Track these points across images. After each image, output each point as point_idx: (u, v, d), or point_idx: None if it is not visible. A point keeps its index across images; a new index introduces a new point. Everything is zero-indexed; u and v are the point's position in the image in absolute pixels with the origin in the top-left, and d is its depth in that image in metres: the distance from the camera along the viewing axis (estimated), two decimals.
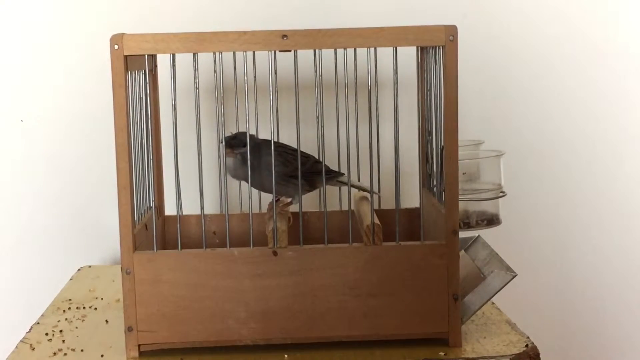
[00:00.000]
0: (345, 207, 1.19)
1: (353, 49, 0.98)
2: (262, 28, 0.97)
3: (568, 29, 1.45)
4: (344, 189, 1.14)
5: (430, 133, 1.10)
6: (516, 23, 1.44)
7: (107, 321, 1.11)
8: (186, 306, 0.97)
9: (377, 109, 1.07)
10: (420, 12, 1.42)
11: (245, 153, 1.04)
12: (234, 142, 1.07)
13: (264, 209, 1.20)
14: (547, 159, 1.47)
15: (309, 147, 1.14)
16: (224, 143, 1.05)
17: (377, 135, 1.14)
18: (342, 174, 1.15)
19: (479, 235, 1.14)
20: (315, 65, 0.98)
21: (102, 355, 0.99)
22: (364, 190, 1.15)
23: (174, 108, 0.99)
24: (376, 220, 0.99)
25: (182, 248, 0.99)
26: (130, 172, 0.96)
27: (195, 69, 0.98)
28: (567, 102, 1.46)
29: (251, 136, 1.08)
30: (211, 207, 1.39)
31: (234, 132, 1.13)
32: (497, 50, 1.44)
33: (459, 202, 0.98)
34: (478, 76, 1.44)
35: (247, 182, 1.03)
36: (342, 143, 1.15)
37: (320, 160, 1.05)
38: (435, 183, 1.08)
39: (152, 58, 1.15)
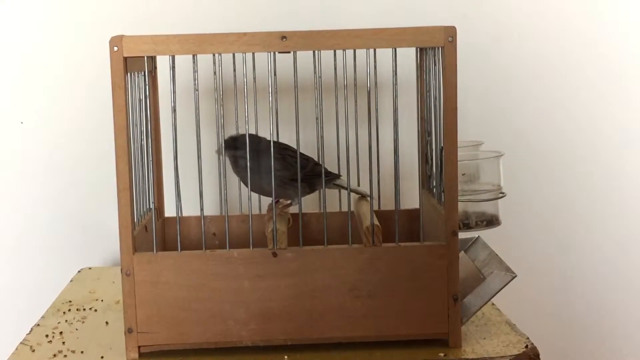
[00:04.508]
0: (344, 208, 1.19)
1: (352, 50, 0.98)
2: (261, 29, 0.97)
3: (568, 29, 1.45)
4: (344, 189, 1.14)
5: (429, 134, 1.10)
6: (516, 23, 1.44)
7: (107, 323, 1.11)
8: (186, 307, 0.98)
9: (376, 110, 1.07)
10: (419, 12, 1.42)
11: (239, 157, 1.04)
12: (229, 144, 1.06)
13: (264, 211, 1.20)
14: (546, 160, 1.47)
15: (308, 148, 1.14)
16: (222, 143, 1.05)
17: (377, 136, 1.14)
18: (340, 176, 1.15)
19: (478, 236, 1.14)
20: (314, 66, 0.98)
21: (102, 357, 0.99)
22: (362, 194, 1.14)
23: (174, 110, 0.99)
24: (376, 221, 0.99)
25: (182, 249, 0.99)
26: (130, 173, 0.96)
27: (195, 70, 0.98)
28: (567, 102, 1.46)
29: (257, 139, 1.07)
30: (211, 209, 1.39)
31: (235, 134, 1.13)
32: (497, 50, 1.44)
33: (459, 202, 0.98)
34: (477, 77, 1.44)
35: (245, 183, 1.03)
36: (342, 144, 1.15)
37: (319, 162, 1.05)
38: (434, 184, 1.08)
39: (152, 60, 1.15)
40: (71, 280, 1.31)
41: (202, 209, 1.01)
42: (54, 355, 1.00)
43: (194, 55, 0.97)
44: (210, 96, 1.35)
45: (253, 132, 1.15)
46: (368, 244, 0.98)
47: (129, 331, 0.98)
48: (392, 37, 0.95)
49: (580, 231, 1.48)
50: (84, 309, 1.17)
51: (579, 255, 1.49)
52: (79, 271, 1.36)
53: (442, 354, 0.97)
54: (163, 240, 1.18)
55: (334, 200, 1.23)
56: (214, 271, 0.97)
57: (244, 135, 1.06)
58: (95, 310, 1.16)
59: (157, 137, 1.16)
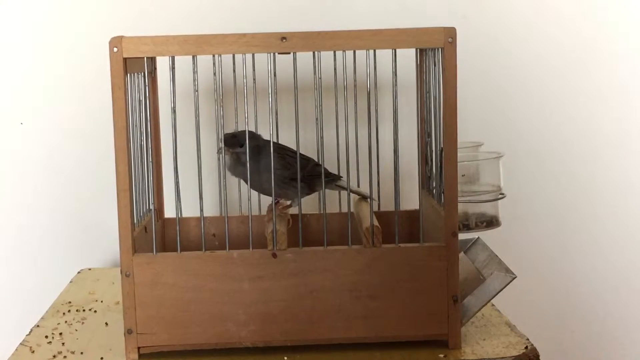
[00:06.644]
0: (344, 209, 1.19)
1: (352, 51, 0.98)
2: (261, 30, 0.97)
3: (568, 29, 1.45)
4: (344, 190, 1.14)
5: (429, 135, 1.10)
6: (516, 24, 1.44)
7: (106, 324, 1.11)
8: (186, 308, 0.98)
9: (376, 111, 1.07)
10: (419, 13, 1.42)
11: (241, 153, 1.04)
12: (232, 141, 1.07)
13: (264, 211, 1.20)
14: (546, 161, 1.47)
15: (308, 149, 1.14)
16: (222, 140, 1.05)
17: (377, 137, 1.14)
18: (341, 178, 1.15)
19: (478, 237, 1.14)
20: (314, 67, 0.98)
21: (101, 358, 0.99)
22: (362, 195, 1.14)
23: (174, 110, 0.99)
24: (376, 223, 0.99)
25: (181, 250, 0.99)
26: (129, 174, 0.96)
27: (195, 71, 0.98)
28: (567, 103, 1.46)
29: (256, 135, 1.08)
30: (211, 210, 1.39)
31: (234, 131, 1.13)
32: (497, 51, 1.44)
33: (459, 203, 0.98)
34: (477, 78, 1.44)
35: (246, 181, 1.03)
36: (342, 145, 1.15)
37: (320, 163, 1.05)
38: (434, 185, 1.08)
39: (152, 60, 1.15)
40: (71, 281, 1.31)
41: (201, 210, 1.01)
42: (54, 356, 1.00)
43: (193, 56, 0.97)
44: (210, 97, 1.35)
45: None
46: (368, 245, 0.98)
47: (128, 332, 0.98)
48: (392, 38, 0.95)
49: (580, 232, 1.48)
50: (84, 310, 1.17)
51: (579, 256, 1.49)
52: (78, 272, 1.36)
53: (441, 355, 0.97)
54: (163, 241, 1.18)
55: (334, 201, 1.23)
56: (214, 272, 0.97)
57: (243, 132, 1.06)
58: (95, 311, 1.16)
59: (156, 138, 1.16)
